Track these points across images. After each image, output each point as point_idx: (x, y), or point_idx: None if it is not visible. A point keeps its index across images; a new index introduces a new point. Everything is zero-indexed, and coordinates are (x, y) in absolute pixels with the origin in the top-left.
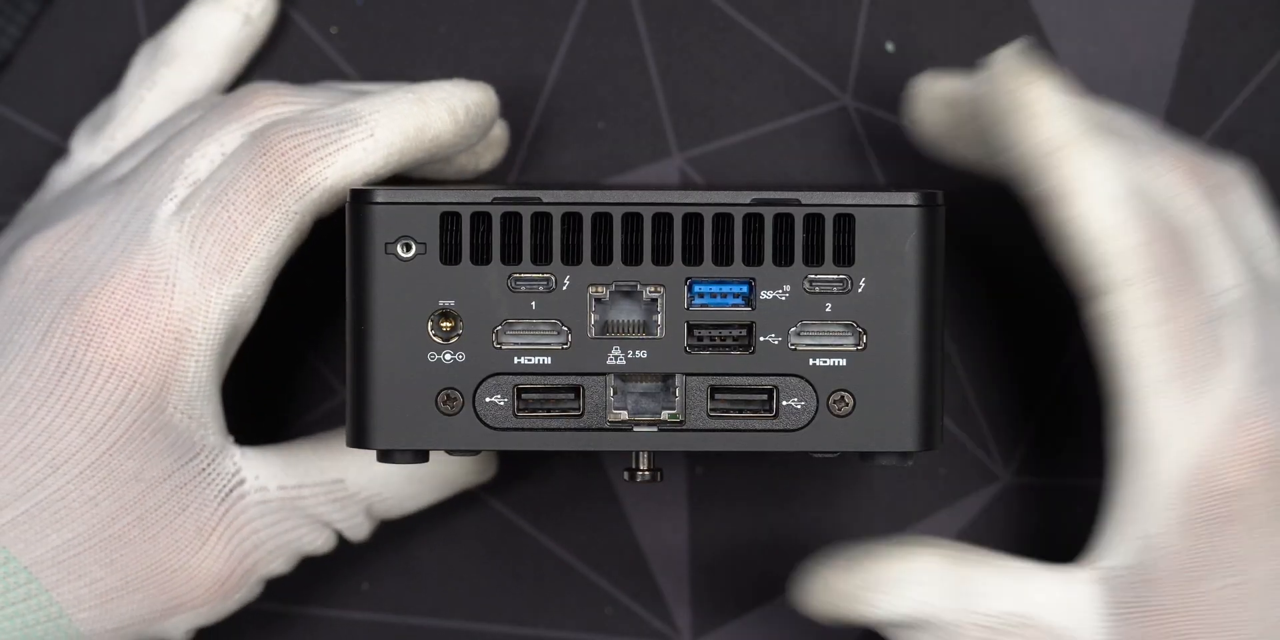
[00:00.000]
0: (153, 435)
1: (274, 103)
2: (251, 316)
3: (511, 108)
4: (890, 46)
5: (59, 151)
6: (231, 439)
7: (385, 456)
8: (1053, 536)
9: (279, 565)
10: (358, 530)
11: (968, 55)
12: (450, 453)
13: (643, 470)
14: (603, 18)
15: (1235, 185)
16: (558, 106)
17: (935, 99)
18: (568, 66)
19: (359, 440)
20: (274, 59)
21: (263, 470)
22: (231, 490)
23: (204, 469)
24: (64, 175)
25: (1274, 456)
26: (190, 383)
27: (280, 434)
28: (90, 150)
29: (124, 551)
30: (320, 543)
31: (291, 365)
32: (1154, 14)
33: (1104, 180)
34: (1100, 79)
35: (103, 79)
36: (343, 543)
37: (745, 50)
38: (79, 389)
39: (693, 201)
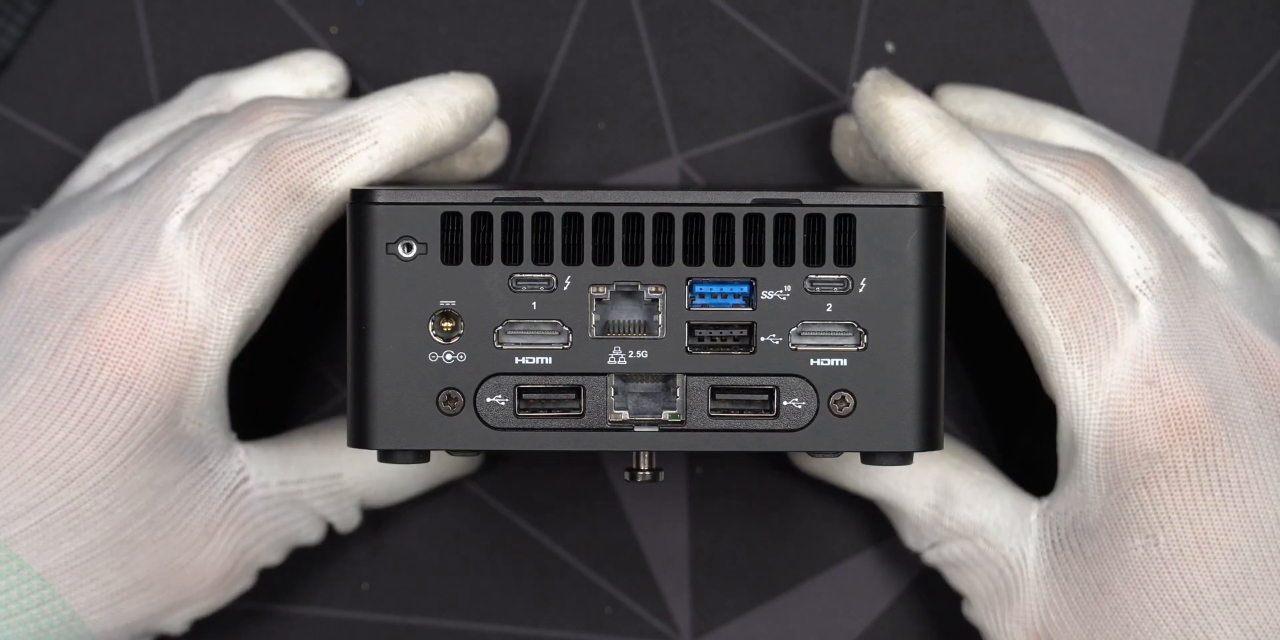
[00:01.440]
0: (165, 446)
1: (280, 120)
2: (257, 325)
3: (511, 108)
4: (890, 46)
5: (59, 151)
6: (234, 436)
7: (386, 457)
8: None
9: (276, 556)
10: (349, 522)
11: (968, 55)
12: (451, 453)
13: (643, 470)
14: (603, 18)
15: (1171, 185)
16: (558, 106)
17: (848, 134)
18: (568, 66)
19: (360, 440)
20: None
21: (265, 466)
22: (236, 487)
23: (211, 470)
24: (81, 179)
25: (1193, 422)
26: (202, 396)
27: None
28: (112, 156)
29: (135, 554)
30: (315, 534)
31: (292, 365)
32: (1154, 14)
33: (968, 176)
34: (1100, 79)
35: (103, 79)
36: (342, 543)
37: (745, 50)
38: (93, 406)
39: (694, 202)
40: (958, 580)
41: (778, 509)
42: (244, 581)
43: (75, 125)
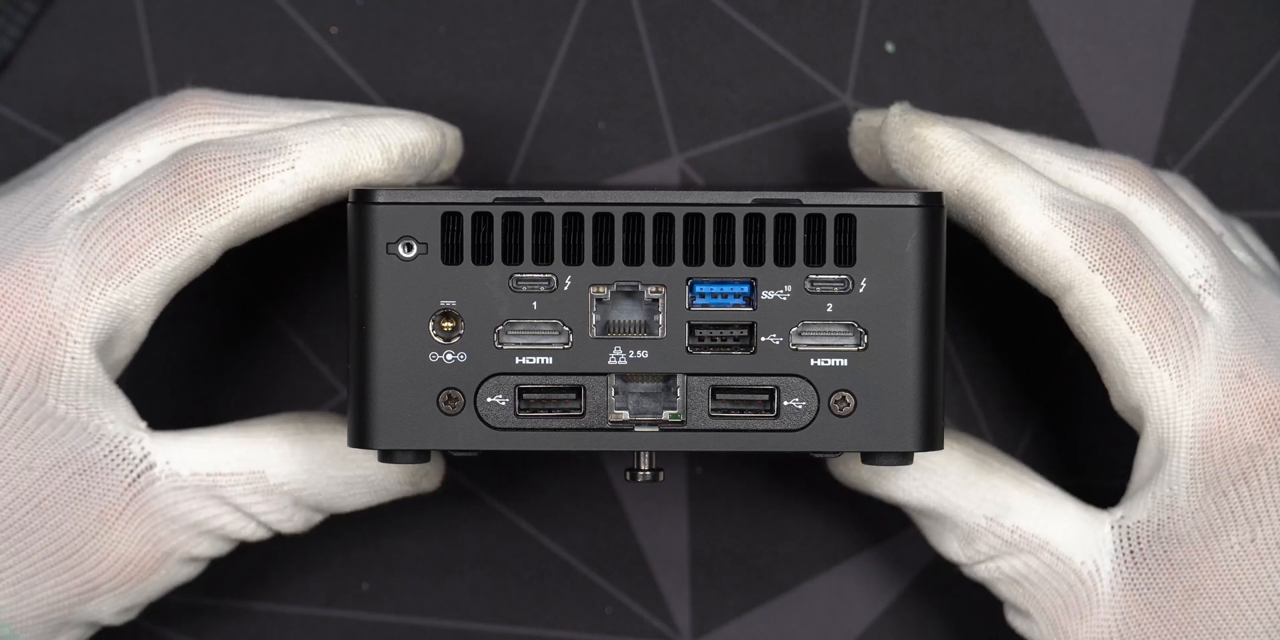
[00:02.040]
0: (37, 425)
1: (200, 114)
2: (140, 328)
3: (511, 108)
4: (890, 46)
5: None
6: (143, 425)
7: (386, 456)
8: None
9: (205, 548)
10: (288, 523)
11: (968, 55)
12: (452, 453)
13: (643, 470)
14: (603, 18)
15: (1179, 186)
16: (558, 106)
17: (869, 131)
18: (568, 66)
19: (360, 440)
20: (274, 59)
21: (175, 455)
22: (139, 475)
23: (105, 456)
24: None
25: None
26: (67, 377)
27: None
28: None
29: (27, 540)
30: (248, 531)
31: (292, 365)
32: (1154, 14)
33: (1021, 195)
34: (1100, 79)
35: (103, 79)
36: (343, 543)
37: (745, 50)
38: None
39: (694, 202)
40: (1016, 595)
41: (778, 509)
42: (169, 571)
43: (75, 125)
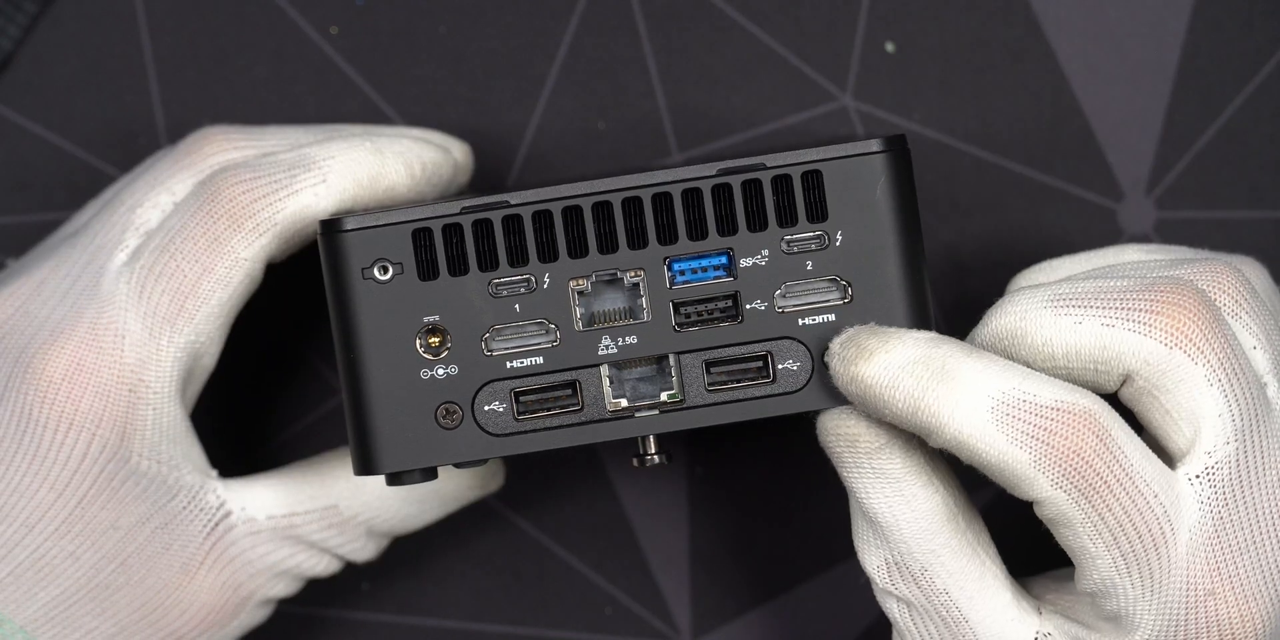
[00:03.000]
0: (122, 484)
1: (225, 149)
2: (209, 360)
3: (511, 108)
4: (890, 46)
5: (59, 151)
6: (214, 474)
7: (395, 479)
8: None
9: (280, 589)
10: (361, 552)
11: (968, 55)
12: (458, 466)
13: (651, 454)
14: (603, 18)
15: (1256, 274)
16: (558, 106)
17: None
18: (568, 66)
19: (366, 467)
20: (274, 59)
21: (250, 501)
22: (217, 524)
23: (184, 507)
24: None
25: (1253, 630)
26: (150, 430)
27: (281, 434)
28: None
29: (113, 598)
30: (321, 566)
31: (292, 365)
32: (1154, 14)
33: (968, 413)
34: (1100, 79)
35: (103, 79)
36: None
37: (745, 50)
38: (40, 446)
39: (659, 181)
40: (899, 628)
41: (778, 509)
42: (245, 616)
43: (75, 125)
